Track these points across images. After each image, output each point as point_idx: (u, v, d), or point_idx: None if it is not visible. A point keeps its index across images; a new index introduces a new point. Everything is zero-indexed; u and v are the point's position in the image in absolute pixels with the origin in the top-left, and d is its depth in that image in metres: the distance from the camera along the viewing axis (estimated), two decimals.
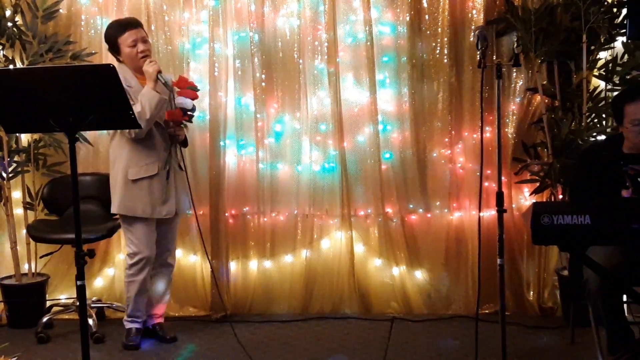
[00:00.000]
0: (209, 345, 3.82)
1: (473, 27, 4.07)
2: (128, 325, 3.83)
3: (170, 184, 3.72)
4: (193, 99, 3.76)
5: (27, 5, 4.24)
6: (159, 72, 3.58)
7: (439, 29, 4.14)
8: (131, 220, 3.70)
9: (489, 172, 4.10)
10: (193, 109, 3.78)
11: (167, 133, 3.70)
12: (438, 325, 4.03)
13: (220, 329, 4.07)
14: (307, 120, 4.28)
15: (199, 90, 3.84)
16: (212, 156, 4.26)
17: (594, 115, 3.95)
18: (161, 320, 3.97)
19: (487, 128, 4.14)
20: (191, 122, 3.86)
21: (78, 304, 2.91)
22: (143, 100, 3.50)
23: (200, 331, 4.03)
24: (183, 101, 3.71)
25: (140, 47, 3.62)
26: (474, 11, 4.10)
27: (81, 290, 2.76)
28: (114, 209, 3.71)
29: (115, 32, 3.66)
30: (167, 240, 3.87)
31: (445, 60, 4.14)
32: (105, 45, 4.29)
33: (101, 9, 4.32)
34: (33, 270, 4.34)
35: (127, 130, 3.55)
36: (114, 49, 3.69)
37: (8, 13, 4.23)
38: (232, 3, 4.26)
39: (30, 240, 4.23)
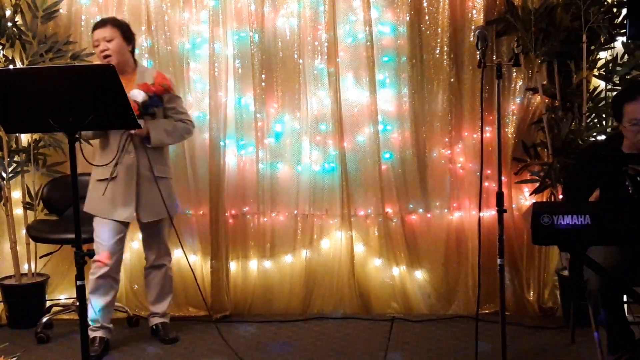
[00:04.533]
0: (209, 345, 3.81)
1: (473, 27, 4.07)
2: (91, 334, 3.67)
3: (131, 186, 3.66)
4: (155, 93, 3.58)
5: (27, 5, 4.24)
6: None
7: (439, 29, 4.14)
8: (96, 219, 3.71)
9: (489, 172, 4.10)
10: (148, 103, 3.56)
11: (124, 135, 3.62)
12: (438, 325, 4.03)
13: (220, 329, 4.07)
14: (307, 120, 4.28)
15: (166, 89, 3.65)
16: (212, 156, 4.26)
17: (594, 115, 3.95)
18: (163, 320, 3.96)
19: (487, 128, 4.14)
20: (148, 116, 3.60)
21: (78, 304, 2.91)
22: None
23: (200, 331, 4.02)
24: (134, 94, 3.52)
25: (101, 46, 3.60)
26: (474, 11, 4.10)
27: (81, 290, 2.77)
28: (84, 208, 3.70)
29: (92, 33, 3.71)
30: (153, 244, 3.88)
31: (445, 60, 4.14)
32: None
33: (101, 9, 4.32)
34: (33, 270, 4.35)
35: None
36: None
37: (8, 13, 4.23)
38: (232, 3, 4.26)
39: (30, 240, 4.23)
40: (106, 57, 3.60)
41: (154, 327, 3.96)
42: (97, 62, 3.57)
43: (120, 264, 3.80)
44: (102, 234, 3.67)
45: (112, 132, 3.64)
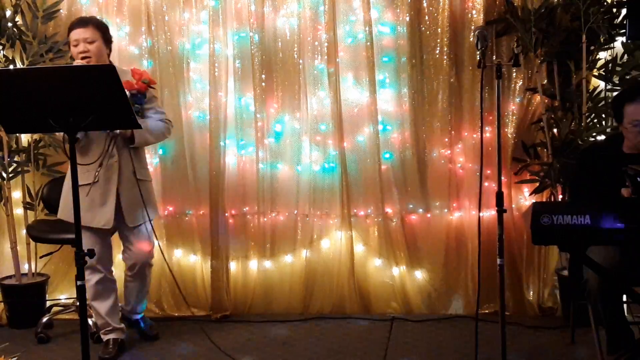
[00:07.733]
0: (209, 345, 3.82)
1: (473, 27, 4.07)
2: (104, 337, 3.70)
3: (111, 191, 3.54)
4: (138, 90, 3.50)
5: (28, 6, 4.25)
6: None
7: (439, 29, 4.14)
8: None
9: (489, 172, 4.10)
10: (132, 101, 3.42)
11: (108, 136, 3.51)
12: (438, 325, 4.03)
13: (220, 329, 4.07)
14: (307, 120, 4.28)
15: (147, 84, 3.57)
16: (212, 156, 4.27)
17: (593, 115, 3.95)
18: (142, 315, 3.97)
19: (487, 128, 4.14)
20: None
21: (78, 303, 2.91)
22: None
23: (201, 331, 4.02)
24: None
25: (81, 47, 3.48)
26: (474, 11, 4.10)
27: (81, 290, 2.77)
28: (58, 214, 3.62)
29: (68, 32, 3.57)
30: (138, 249, 3.71)
31: (445, 60, 4.14)
32: None
33: (101, 9, 4.32)
34: (33, 270, 4.35)
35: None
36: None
37: (8, 13, 4.23)
38: (232, 3, 4.27)
39: (30, 240, 4.23)
40: (85, 58, 3.47)
41: (134, 320, 3.93)
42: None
43: (112, 264, 3.77)
44: (85, 242, 3.41)
45: (93, 134, 3.48)
